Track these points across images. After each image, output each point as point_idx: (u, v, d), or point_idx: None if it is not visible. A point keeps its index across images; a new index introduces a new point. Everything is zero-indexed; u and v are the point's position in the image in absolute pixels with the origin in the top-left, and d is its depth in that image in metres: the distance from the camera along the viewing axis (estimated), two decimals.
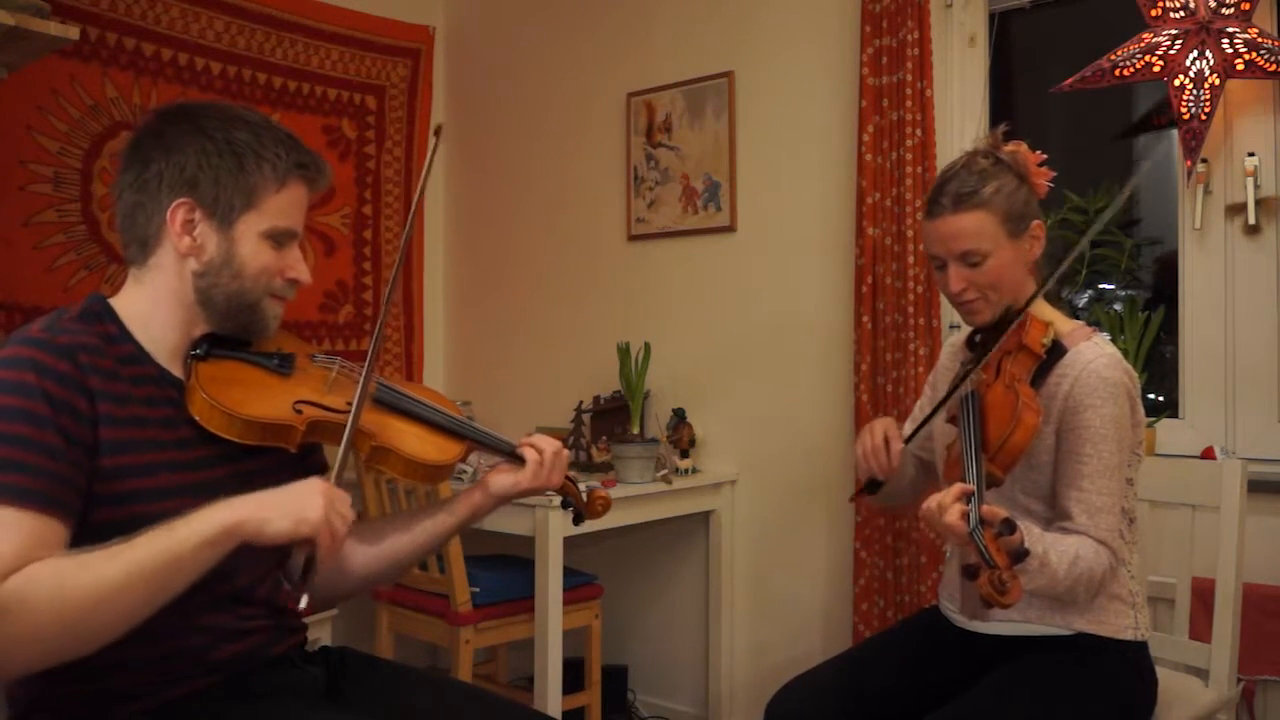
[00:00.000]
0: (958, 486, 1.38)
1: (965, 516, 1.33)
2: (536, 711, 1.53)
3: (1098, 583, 1.54)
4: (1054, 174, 1.71)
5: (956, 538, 1.35)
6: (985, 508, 1.33)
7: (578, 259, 3.46)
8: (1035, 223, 1.67)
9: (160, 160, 1.29)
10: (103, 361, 1.24)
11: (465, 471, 2.78)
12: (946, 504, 1.36)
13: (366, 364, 1.35)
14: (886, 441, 1.68)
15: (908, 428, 1.81)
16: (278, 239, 1.34)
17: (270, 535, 1.16)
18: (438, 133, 1.64)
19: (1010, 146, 1.69)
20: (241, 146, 1.30)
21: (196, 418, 1.28)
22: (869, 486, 1.72)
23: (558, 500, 1.58)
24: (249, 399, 1.30)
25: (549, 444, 1.49)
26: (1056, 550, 1.47)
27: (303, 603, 1.21)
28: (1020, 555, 1.30)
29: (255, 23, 3.25)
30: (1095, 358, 1.58)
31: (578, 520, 1.60)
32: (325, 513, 1.18)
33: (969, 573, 1.28)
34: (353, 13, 3.50)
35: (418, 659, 3.45)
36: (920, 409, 1.93)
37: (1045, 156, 1.70)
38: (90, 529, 1.19)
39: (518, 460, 1.49)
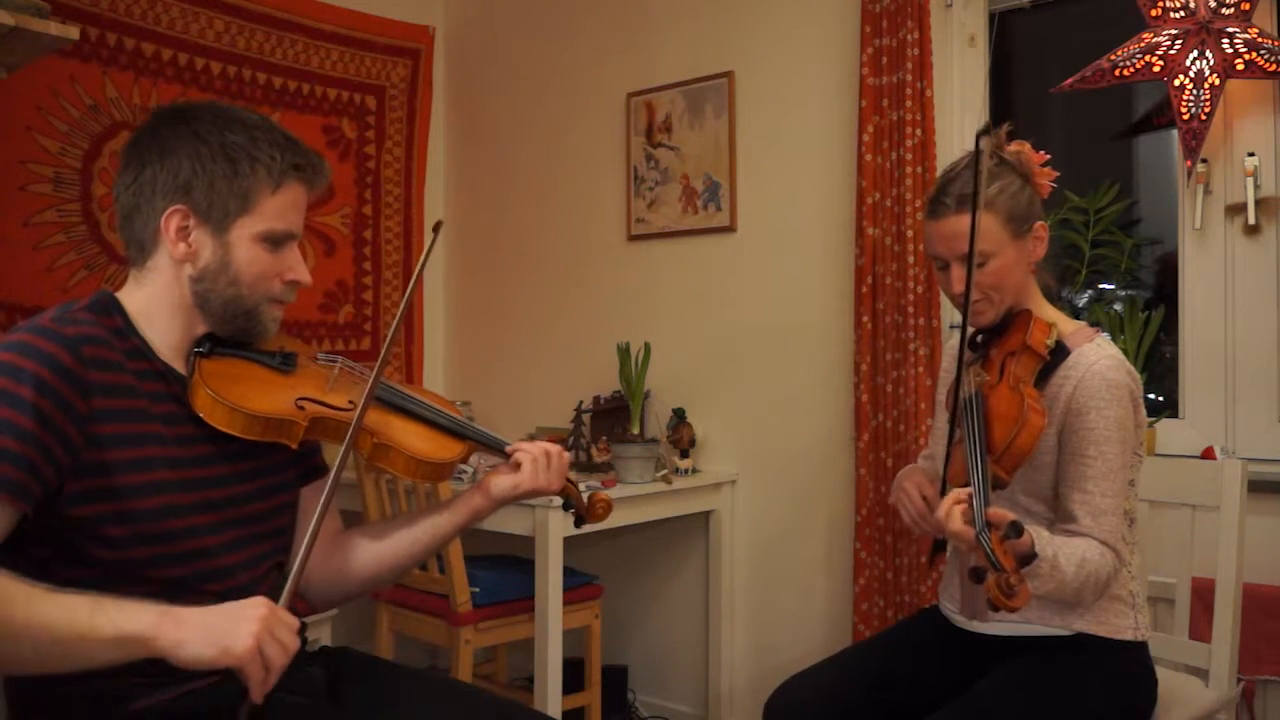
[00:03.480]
0: (953, 492, 1.38)
1: (967, 518, 1.33)
2: (536, 711, 1.53)
3: (1103, 585, 1.54)
4: (1057, 174, 1.71)
5: (963, 542, 1.35)
6: (991, 511, 1.32)
7: (578, 259, 3.46)
8: (1038, 223, 1.67)
9: (155, 164, 1.29)
10: (110, 354, 1.24)
11: (465, 472, 2.79)
12: (946, 508, 1.36)
13: (377, 364, 1.35)
14: (926, 501, 1.68)
15: (927, 463, 1.80)
16: (274, 241, 1.33)
17: (187, 660, 1.07)
18: (436, 229, 1.48)
19: (1013, 147, 1.69)
20: (235, 149, 1.29)
21: (200, 413, 1.29)
22: (938, 546, 1.70)
23: (559, 502, 1.58)
24: (252, 394, 1.31)
25: (539, 446, 1.49)
26: (1065, 554, 1.47)
27: None
28: (1028, 559, 1.29)
29: (255, 23, 3.24)
30: (1099, 359, 1.58)
31: (579, 523, 1.60)
32: (256, 642, 1.07)
33: (975, 576, 1.27)
34: (352, 13, 3.49)
35: (418, 659, 3.45)
36: (936, 425, 1.91)
37: (1049, 157, 1.70)
38: (85, 523, 1.19)
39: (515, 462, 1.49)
